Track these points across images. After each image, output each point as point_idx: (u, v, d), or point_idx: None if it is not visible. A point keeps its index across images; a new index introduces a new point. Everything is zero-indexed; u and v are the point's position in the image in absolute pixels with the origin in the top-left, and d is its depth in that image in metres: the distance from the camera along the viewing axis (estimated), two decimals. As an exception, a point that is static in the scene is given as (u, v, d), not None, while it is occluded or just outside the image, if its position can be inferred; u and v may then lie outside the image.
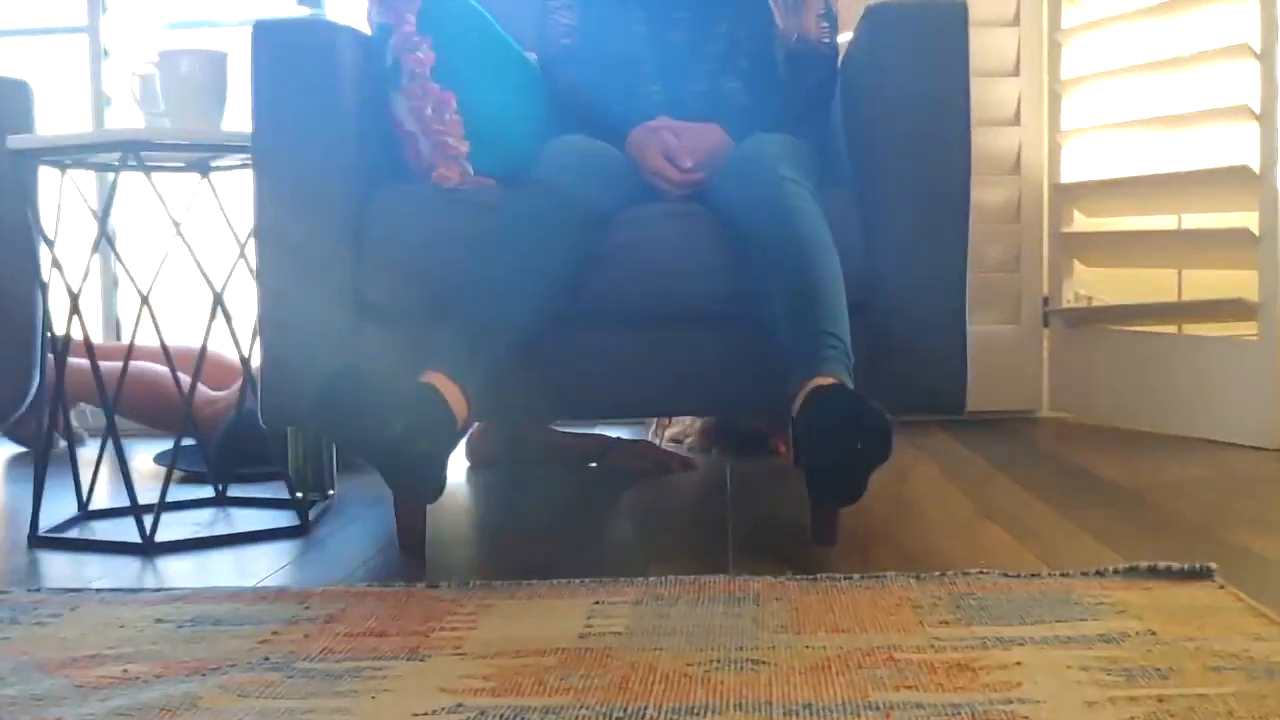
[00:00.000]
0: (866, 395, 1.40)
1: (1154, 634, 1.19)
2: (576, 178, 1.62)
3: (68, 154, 1.85)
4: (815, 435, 1.40)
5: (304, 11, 1.99)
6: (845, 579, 1.44)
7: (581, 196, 1.61)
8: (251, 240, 1.93)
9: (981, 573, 1.45)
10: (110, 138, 1.79)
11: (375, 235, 1.65)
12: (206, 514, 2.03)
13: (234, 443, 2.24)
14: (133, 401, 2.49)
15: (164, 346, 1.88)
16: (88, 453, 2.46)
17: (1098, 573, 1.43)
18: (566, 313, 1.60)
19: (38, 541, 1.83)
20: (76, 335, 1.86)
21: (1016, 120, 2.95)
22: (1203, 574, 1.39)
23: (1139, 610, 1.28)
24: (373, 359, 1.62)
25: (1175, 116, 2.63)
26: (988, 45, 2.84)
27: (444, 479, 1.50)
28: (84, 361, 2.79)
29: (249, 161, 1.92)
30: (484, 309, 1.54)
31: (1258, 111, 2.42)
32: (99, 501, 2.03)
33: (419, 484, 1.49)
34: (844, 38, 1.91)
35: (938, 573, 1.45)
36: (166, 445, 2.63)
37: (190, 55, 1.85)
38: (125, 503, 1.91)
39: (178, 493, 2.04)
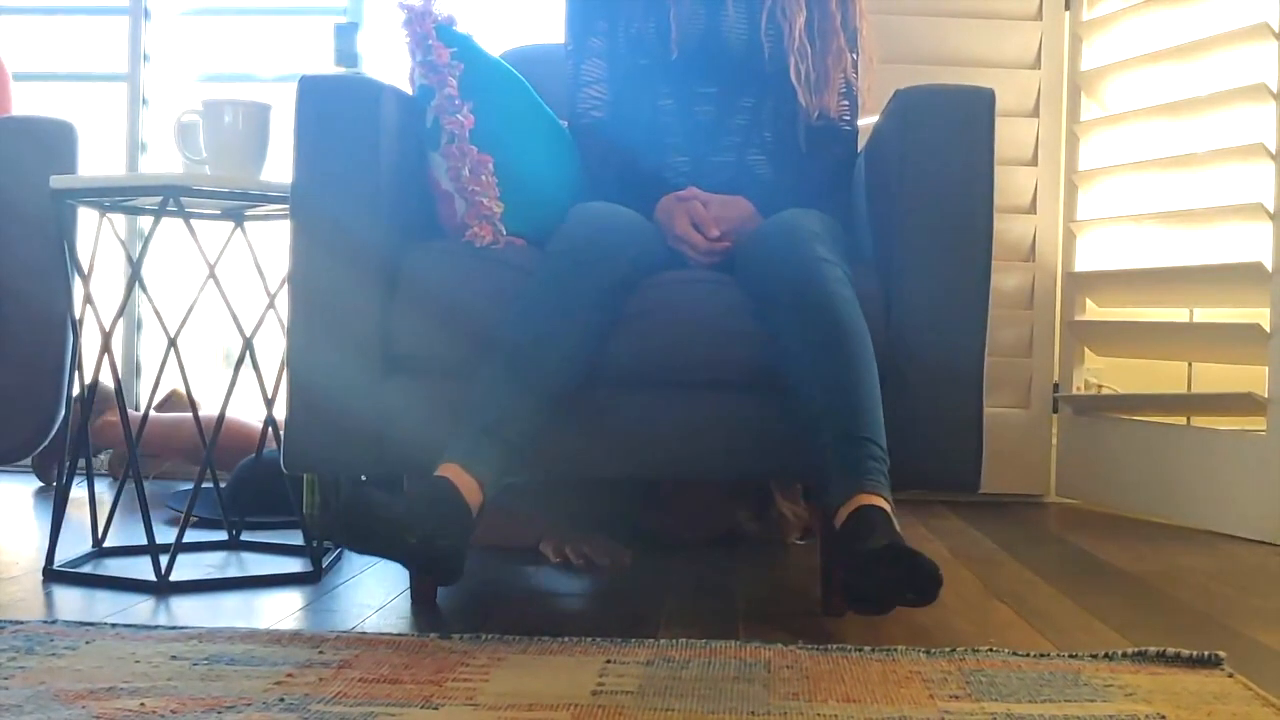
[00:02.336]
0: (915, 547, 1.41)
1: (1164, 718, 1.20)
2: (602, 242, 1.65)
3: (108, 196, 1.89)
4: (865, 571, 1.40)
5: (341, 70, 2.03)
6: (855, 650, 1.45)
7: (606, 261, 1.63)
8: (282, 289, 1.98)
9: (991, 650, 1.46)
10: (153, 181, 1.84)
11: (406, 289, 1.68)
12: (219, 556, 2.05)
13: (249, 488, 2.26)
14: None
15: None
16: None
17: (1106, 655, 1.44)
18: (591, 375, 1.63)
19: (52, 575, 1.84)
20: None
21: (1033, 209, 3.00)
22: (1211, 661, 1.40)
23: (1148, 694, 1.28)
24: (399, 412, 1.65)
25: (1189, 212, 2.68)
26: (1007, 135, 2.90)
27: (463, 566, 1.53)
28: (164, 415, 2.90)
29: (284, 212, 1.97)
30: (499, 391, 1.55)
31: (1271, 210, 2.47)
32: (112, 539, 2.04)
33: (440, 576, 1.54)
34: (867, 121, 1.95)
35: (948, 649, 1.46)
36: (170, 487, 2.66)
37: (234, 105, 1.90)
38: (138, 541, 1.93)
39: (190, 535, 2.05)
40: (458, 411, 1.57)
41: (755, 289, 1.66)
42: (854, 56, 1.93)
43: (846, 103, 1.93)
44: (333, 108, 1.68)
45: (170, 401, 3.05)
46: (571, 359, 1.59)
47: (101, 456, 3.03)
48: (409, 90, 1.77)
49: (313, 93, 1.68)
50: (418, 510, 1.46)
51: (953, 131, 1.67)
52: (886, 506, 1.47)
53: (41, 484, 2.96)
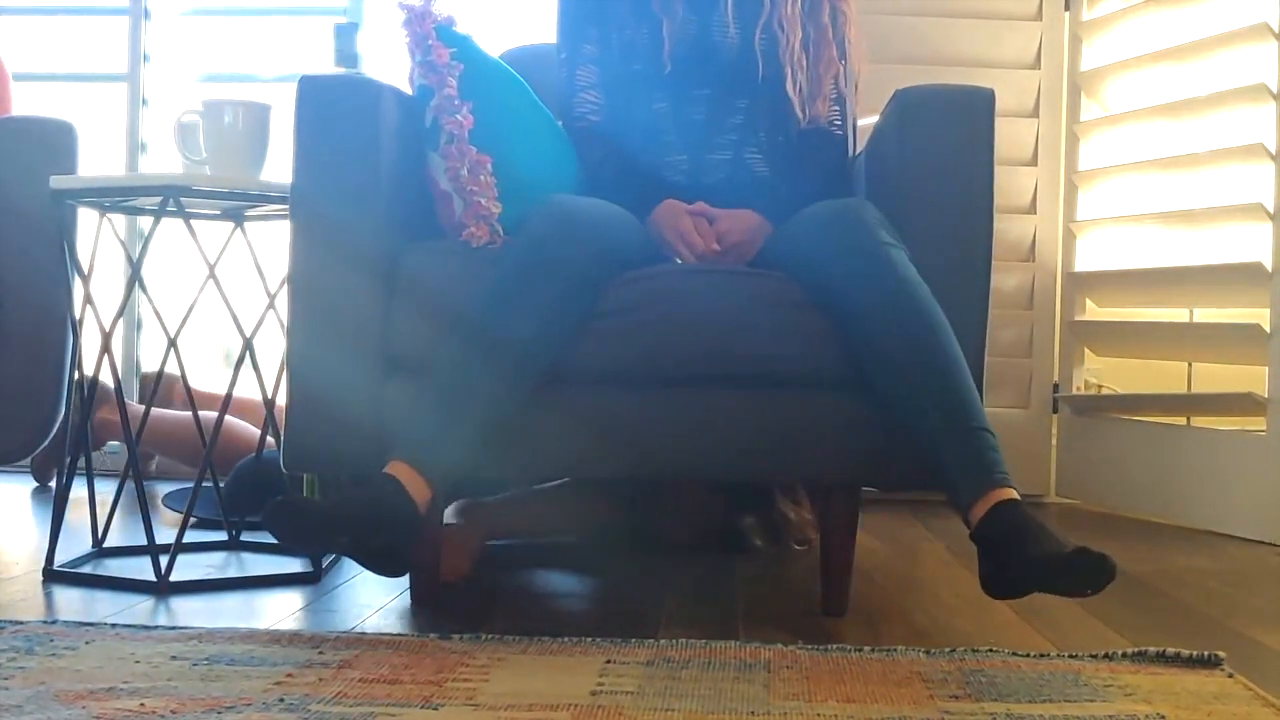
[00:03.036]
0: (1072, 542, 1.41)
1: (1164, 718, 1.20)
2: (567, 236, 1.61)
3: (108, 196, 1.89)
4: (1041, 564, 1.38)
5: (341, 70, 2.03)
6: (855, 650, 1.45)
7: (571, 255, 1.60)
8: (282, 289, 1.98)
9: (990, 650, 1.46)
10: (153, 181, 1.84)
11: (405, 289, 1.68)
12: (219, 557, 2.05)
13: (248, 488, 2.26)
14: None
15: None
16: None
17: (1106, 656, 1.44)
18: (574, 371, 1.62)
19: (52, 575, 1.84)
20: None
21: (1033, 209, 3.00)
22: (1211, 661, 1.40)
23: (1147, 694, 1.29)
24: (399, 411, 1.64)
25: (1189, 212, 2.68)
26: (1007, 135, 2.90)
27: (407, 563, 1.55)
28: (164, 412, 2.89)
29: (284, 212, 1.97)
30: (454, 389, 1.55)
31: (1271, 210, 2.47)
32: (112, 539, 2.05)
33: (381, 571, 1.56)
34: (868, 121, 1.96)
35: (947, 649, 1.46)
36: (169, 488, 2.66)
37: (233, 105, 1.90)
38: (138, 541, 1.93)
39: (190, 535, 2.05)
40: (414, 404, 1.57)
41: (816, 280, 1.62)
42: (843, 64, 1.95)
43: (837, 108, 1.96)
44: (332, 108, 1.67)
45: (166, 390, 3.00)
46: (530, 356, 1.57)
47: (105, 452, 3.02)
48: (409, 90, 1.77)
49: (313, 93, 1.68)
50: (356, 509, 1.47)
51: (952, 131, 1.67)
52: (1018, 495, 1.48)
53: (38, 484, 2.96)
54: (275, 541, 2.07)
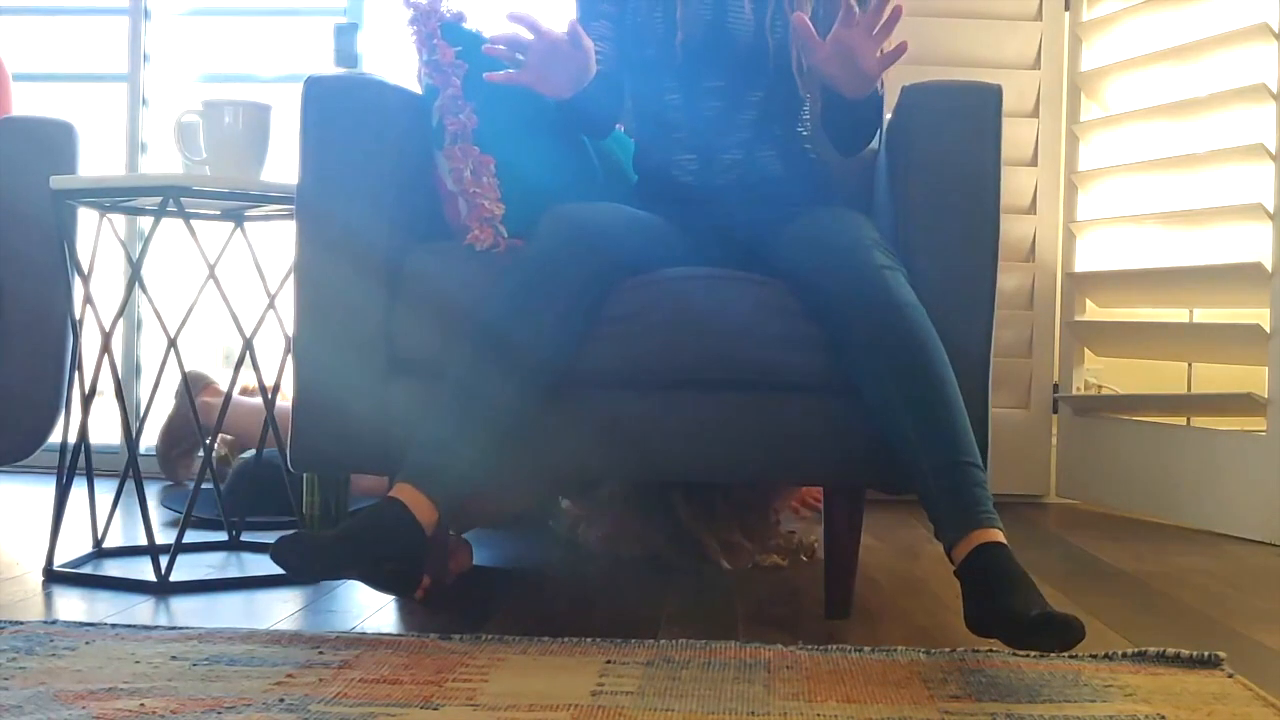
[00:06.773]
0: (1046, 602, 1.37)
1: (1164, 718, 1.20)
2: (575, 248, 1.61)
3: (108, 196, 1.89)
4: (1022, 632, 1.35)
5: (342, 70, 2.04)
6: (855, 650, 1.45)
7: (577, 268, 1.59)
8: (281, 290, 1.98)
9: (991, 650, 1.46)
10: (153, 182, 1.84)
11: (409, 290, 1.67)
12: (219, 557, 2.05)
13: (247, 488, 2.26)
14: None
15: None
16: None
17: (1106, 655, 1.44)
18: (577, 377, 1.62)
19: (52, 575, 1.84)
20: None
21: (1033, 209, 3.00)
22: (1211, 662, 1.40)
23: (1147, 694, 1.29)
24: (403, 412, 1.64)
25: (1189, 212, 2.68)
26: (1007, 135, 2.85)
27: (417, 582, 1.55)
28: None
29: (283, 212, 1.97)
30: (457, 405, 1.54)
31: (1271, 210, 2.47)
32: (112, 540, 2.05)
33: (392, 592, 1.57)
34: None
35: (947, 649, 1.47)
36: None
37: (234, 105, 1.90)
38: (138, 541, 1.93)
39: (190, 535, 2.05)
40: (419, 419, 1.57)
41: (811, 299, 1.61)
42: None
43: None
44: (338, 108, 1.67)
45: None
46: (543, 367, 1.57)
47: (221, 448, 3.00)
48: (417, 88, 1.77)
49: (318, 93, 1.67)
50: (362, 539, 1.47)
51: (960, 126, 1.66)
52: (1004, 538, 1.46)
53: (170, 482, 2.93)
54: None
